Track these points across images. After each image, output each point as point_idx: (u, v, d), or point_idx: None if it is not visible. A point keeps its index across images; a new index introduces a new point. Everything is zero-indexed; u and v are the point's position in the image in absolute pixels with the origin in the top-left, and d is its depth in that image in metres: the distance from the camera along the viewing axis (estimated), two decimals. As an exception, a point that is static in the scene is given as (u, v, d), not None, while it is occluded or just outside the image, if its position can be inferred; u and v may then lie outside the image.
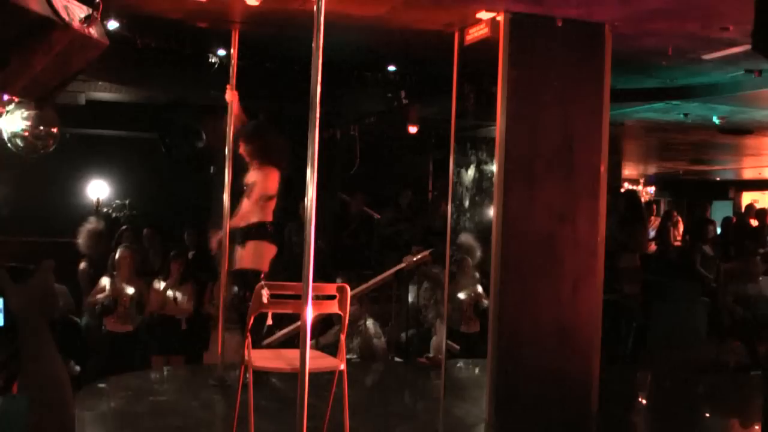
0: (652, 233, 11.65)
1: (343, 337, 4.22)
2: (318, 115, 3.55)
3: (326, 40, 3.54)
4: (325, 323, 6.93)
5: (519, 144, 5.14)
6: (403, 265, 7.29)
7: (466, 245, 7.89)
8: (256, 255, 5.57)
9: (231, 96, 5.86)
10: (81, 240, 8.19)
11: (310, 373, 3.59)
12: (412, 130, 10.05)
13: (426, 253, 7.41)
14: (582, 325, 5.25)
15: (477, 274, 7.81)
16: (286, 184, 5.78)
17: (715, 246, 10.16)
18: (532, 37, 5.14)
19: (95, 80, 8.91)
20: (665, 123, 10.05)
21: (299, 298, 3.66)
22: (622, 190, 12.93)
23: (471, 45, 5.49)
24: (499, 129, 5.15)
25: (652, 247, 11.27)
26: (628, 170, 17.74)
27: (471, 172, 10.08)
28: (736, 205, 18.50)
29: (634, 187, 17.39)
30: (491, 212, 5.36)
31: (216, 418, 5.31)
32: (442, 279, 6.73)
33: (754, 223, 11.52)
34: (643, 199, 15.68)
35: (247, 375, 4.13)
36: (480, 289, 7.67)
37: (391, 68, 7.71)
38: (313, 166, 3.53)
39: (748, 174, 18.16)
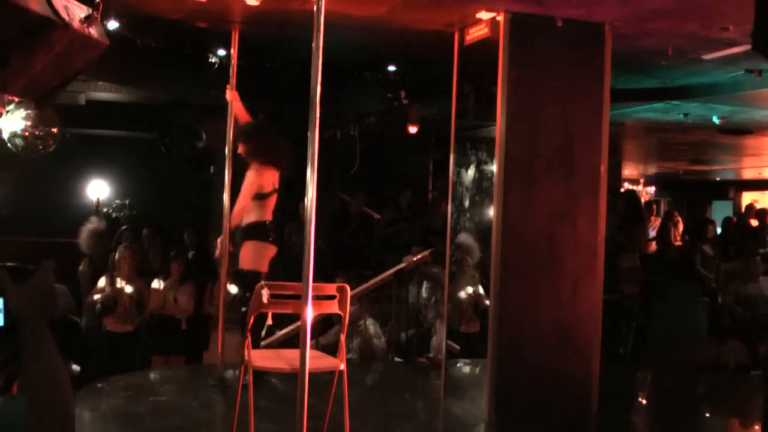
0: (652, 233, 11.64)
1: (343, 337, 4.22)
2: (318, 115, 3.55)
3: (326, 40, 3.54)
4: (325, 323, 6.93)
5: (519, 144, 5.14)
6: (403, 265, 7.29)
7: (465, 245, 7.89)
8: (254, 256, 5.56)
9: (231, 96, 5.86)
10: (82, 240, 8.19)
11: (310, 373, 3.59)
12: (412, 130, 10.05)
13: (426, 253, 7.42)
14: (582, 325, 5.25)
15: (476, 274, 7.81)
16: (287, 183, 5.78)
17: (715, 246, 10.16)
18: (532, 37, 5.14)
19: (95, 80, 8.91)
20: (665, 123, 10.05)
21: (299, 298, 3.66)
22: (622, 190, 12.92)
23: (471, 45, 5.49)
24: (499, 129, 5.15)
25: (653, 246, 11.27)
26: (628, 170, 17.74)
27: (471, 172, 10.08)
28: (736, 205, 18.50)
29: (634, 187, 17.38)
30: (491, 212, 5.36)
31: (216, 418, 5.31)
32: (442, 279, 6.73)
33: (754, 223, 11.52)
34: (643, 199, 15.68)
35: (247, 375, 4.12)
36: (480, 288, 7.67)
37: (391, 68, 7.71)
38: (313, 166, 3.53)
39: (748, 174, 18.16)
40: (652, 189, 19.30)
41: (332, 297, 4.20)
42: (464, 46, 5.58)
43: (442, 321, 6.69)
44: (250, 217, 5.61)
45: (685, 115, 9.20)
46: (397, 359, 7.50)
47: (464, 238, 7.94)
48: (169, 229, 9.58)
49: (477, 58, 5.57)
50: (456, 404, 5.77)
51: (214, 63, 6.95)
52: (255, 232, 5.58)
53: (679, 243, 11.62)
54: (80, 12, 3.06)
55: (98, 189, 11.83)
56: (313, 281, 3.61)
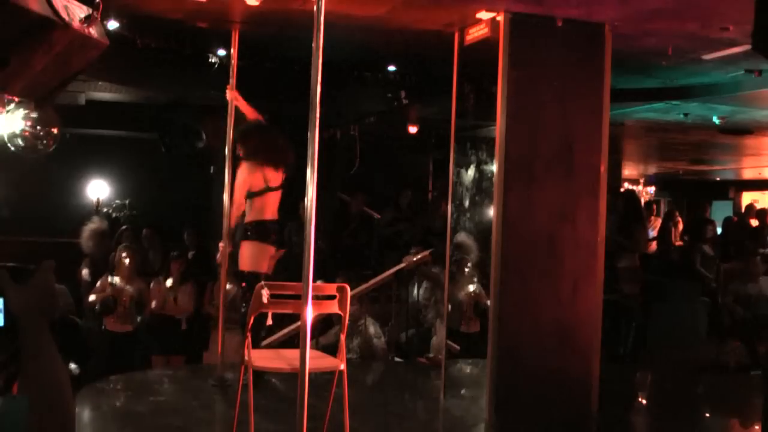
0: (652, 233, 11.65)
1: (343, 337, 4.22)
2: (318, 115, 3.55)
3: (326, 40, 3.54)
4: (325, 323, 6.93)
5: (519, 144, 5.14)
6: (403, 265, 7.30)
7: (464, 245, 7.88)
8: (252, 256, 5.54)
9: (232, 95, 5.86)
10: (84, 240, 8.19)
11: (310, 373, 3.59)
12: (412, 130, 10.04)
13: (426, 253, 7.42)
14: (582, 325, 5.25)
15: (476, 274, 7.81)
16: (288, 184, 5.76)
17: (715, 246, 10.16)
18: (532, 37, 5.14)
19: (95, 80, 8.91)
20: (665, 123, 10.05)
21: (299, 298, 3.66)
22: (622, 190, 12.93)
23: (471, 45, 5.49)
24: (499, 129, 5.15)
25: (653, 246, 11.27)
26: (628, 170, 17.74)
27: (471, 172, 10.08)
28: (736, 205, 18.50)
29: (634, 187, 17.38)
30: (491, 212, 5.36)
31: (216, 418, 5.31)
32: (441, 279, 6.73)
33: (754, 223, 11.53)
34: (643, 199, 15.69)
35: (247, 375, 4.12)
36: (480, 288, 7.67)
37: (391, 68, 7.71)
38: (313, 166, 3.53)
39: (748, 174, 18.16)
40: (652, 189, 19.30)
41: (332, 297, 4.20)
42: (464, 46, 5.58)
43: (442, 321, 6.69)
44: (249, 217, 5.60)
45: (685, 115, 9.20)
46: (397, 359, 7.50)
47: (462, 237, 7.94)
48: (169, 229, 9.58)
49: (477, 58, 5.57)
50: (456, 404, 5.78)
51: (214, 63, 6.95)
52: (253, 231, 5.55)
53: (679, 243, 11.63)
54: (80, 12, 3.06)
55: (98, 189, 11.84)
56: (313, 281, 3.61)
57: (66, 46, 3.00)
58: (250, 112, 5.84)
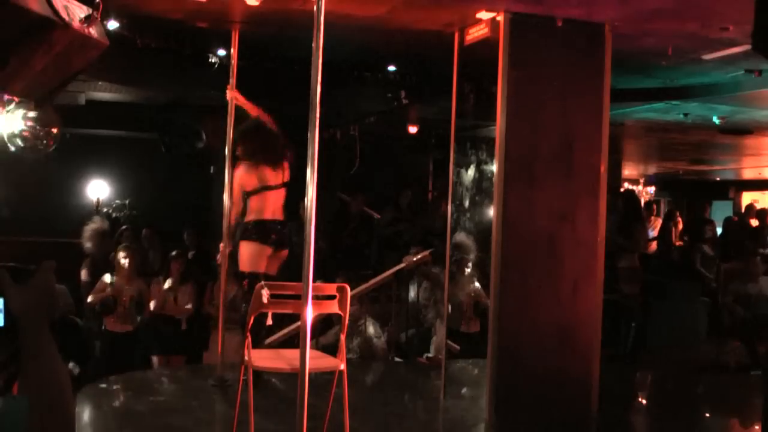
0: (652, 233, 11.65)
1: (343, 337, 4.22)
2: (318, 115, 3.55)
3: (326, 40, 3.54)
4: (325, 323, 6.93)
5: (519, 144, 5.14)
6: (403, 265, 7.30)
7: (463, 244, 7.88)
8: (251, 257, 5.52)
9: (232, 95, 5.86)
10: (85, 240, 8.19)
11: (310, 373, 3.59)
12: (412, 130, 10.05)
13: (426, 253, 7.42)
14: (582, 325, 5.25)
15: (476, 274, 7.81)
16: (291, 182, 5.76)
17: (715, 246, 10.16)
18: (532, 37, 5.14)
19: (95, 80, 8.91)
20: (665, 123, 10.05)
21: (299, 298, 3.66)
22: (622, 190, 12.93)
23: (471, 45, 5.49)
24: (499, 129, 5.15)
25: (653, 246, 11.28)
26: (628, 170, 17.74)
27: (471, 172, 10.08)
28: (736, 205, 18.50)
29: (634, 187, 17.38)
30: (491, 212, 5.36)
31: (216, 418, 5.31)
32: (441, 279, 6.73)
33: (755, 223, 11.53)
34: (643, 199, 15.69)
35: (247, 375, 4.12)
36: (480, 288, 7.67)
37: (391, 68, 7.71)
38: (313, 166, 3.53)
39: (748, 174, 18.16)
40: (652, 189, 19.30)
41: (332, 297, 4.20)
42: (464, 46, 5.58)
43: (442, 321, 6.69)
44: (249, 216, 5.60)
45: (685, 115, 9.20)
46: (397, 359, 7.50)
47: (461, 237, 7.93)
48: (169, 229, 9.58)
49: (477, 58, 5.57)
50: (456, 404, 5.77)
51: (214, 63, 6.94)
52: (252, 231, 5.54)
53: (679, 243, 11.63)
54: (80, 12, 3.06)
55: (98, 189, 11.84)
56: (313, 281, 3.61)
57: (66, 46, 3.00)
58: (252, 109, 5.83)
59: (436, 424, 5.53)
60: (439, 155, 11.20)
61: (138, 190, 11.86)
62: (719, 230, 11.35)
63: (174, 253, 7.93)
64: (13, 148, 6.11)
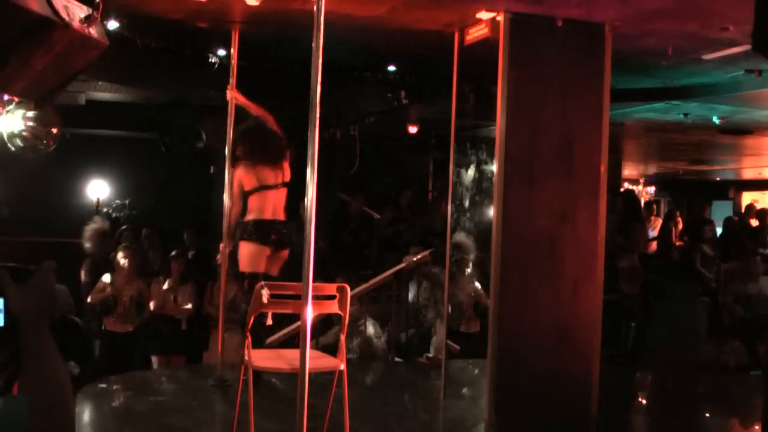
0: (652, 233, 11.65)
1: (343, 337, 4.22)
2: (318, 115, 3.55)
3: (326, 40, 3.54)
4: (325, 323, 6.93)
5: (519, 144, 5.14)
6: (403, 265, 7.29)
7: (462, 244, 7.88)
8: (250, 257, 5.51)
9: (232, 95, 5.86)
10: (85, 240, 8.19)
11: (310, 373, 3.59)
12: (412, 130, 10.05)
13: (426, 253, 7.42)
14: (582, 326, 5.25)
15: (476, 274, 7.81)
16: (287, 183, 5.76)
17: (715, 246, 10.16)
18: (532, 36, 5.14)
19: (95, 80, 8.91)
20: (665, 123, 10.05)
21: (299, 298, 3.66)
22: (622, 190, 12.93)
23: (471, 45, 5.49)
24: (499, 129, 5.15)
25: (653, 246, 11.28)
26: (628, 170, 17.73)
27: (471, 172, 10.08)
28: (736, 205, 18.50)
29: (634, 187, 17.38)
30: (491, 212, 5.36)
31: (216, 418, 5.31)
32: (441, 279, 6.73)
33: (755, 223, 11.53)
34: (643, 199, 15.69)
35: (247, 375, 4.12)
36: (480, 288, 7.67)
37: (391, 68, 7.71)
38: (313, 166, 3.53)
39: (748, 174, 18.16)
40: (652, 189, 19.30)
41: (332, 297, 4.20)
42: (464, 46, 5.58)
43: (442, 321, 6.69)
44: (249, 216, 5.59)
45: (685, 115, 9.20)
46: (397, 359, 7.50)
47: (460, 237, 7.94)
48: (169, 229, 9.58)
49: (477, 58, 5.57)
50: (456, 404, 5.77)
51: (214, 63, 6.94)
52: (251, 231, 5.53)
53: (679, 243, 11.64)
54: (80, 12, 3.06)
55: (98, 189, 11.84)
56: (313, 281, 3.61)
57: (66, 46, 3.00)
58: (252, 107, 5.82)
59: (436, 424, 5.53)
60: (439, 155, 11.20)
61: (138, 190, 11.86)
62: (719, 230, 11.35)
63: (174, 253, 7.93)
64: (13, 148, 6.12)
